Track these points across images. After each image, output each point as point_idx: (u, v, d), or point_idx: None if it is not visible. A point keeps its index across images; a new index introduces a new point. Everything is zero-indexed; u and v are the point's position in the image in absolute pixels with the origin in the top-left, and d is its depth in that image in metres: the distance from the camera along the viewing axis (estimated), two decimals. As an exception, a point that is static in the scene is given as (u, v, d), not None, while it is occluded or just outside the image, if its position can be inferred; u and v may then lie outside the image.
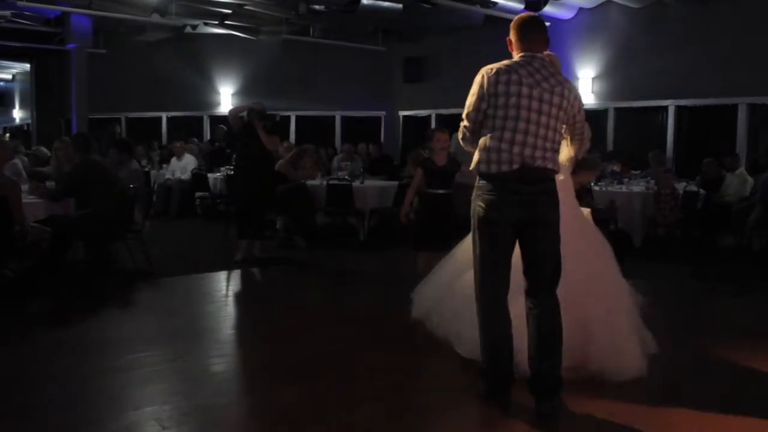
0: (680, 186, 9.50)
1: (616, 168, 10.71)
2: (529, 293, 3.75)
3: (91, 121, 14.95)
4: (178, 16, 14.00)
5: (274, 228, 9.65)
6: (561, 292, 3.76)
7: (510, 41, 3.88)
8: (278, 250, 8.90)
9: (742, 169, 10.03)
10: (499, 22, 11.97)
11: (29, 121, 20.58)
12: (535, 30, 3.84)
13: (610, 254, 4.59)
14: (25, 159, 10.15)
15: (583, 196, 6.59)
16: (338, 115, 16.99)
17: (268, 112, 8.32)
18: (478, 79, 3.72)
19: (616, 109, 13.01)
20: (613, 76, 12.80)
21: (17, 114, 23.57)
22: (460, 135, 3.90)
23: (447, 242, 5.40)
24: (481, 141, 3.71)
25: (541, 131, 3.65)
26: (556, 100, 3.68)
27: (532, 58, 3.74)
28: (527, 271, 3.74)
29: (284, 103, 15.44)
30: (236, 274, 7.58)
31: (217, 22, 14.65)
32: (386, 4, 12.06)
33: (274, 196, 8.49)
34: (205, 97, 16.95)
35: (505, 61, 3.77)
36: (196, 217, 12.58)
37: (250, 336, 5.43)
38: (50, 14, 14.40)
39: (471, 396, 3.87)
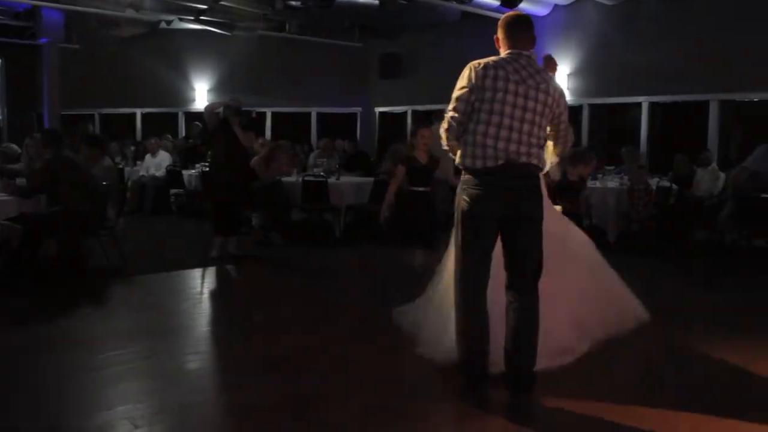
0: (653, 182, 9.60)
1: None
2: (510, 288, 3.78)
3: (63, 117, 14.74)
4: (152, 11, 13.84)
5: (249, 225, 9.60)
6: (553, 288, 3.86)
7: (497, 39, 3.91)
8: (254, 246, 8.86)
9: (714, 165, 10.15)
10: (475, 19, 12.00)
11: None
12: (523, 28, 3.88)
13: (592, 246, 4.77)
14: (-5, 156, 10.00)
15: (577, 189, 6.78)
16: (314, 112, 16.92)
17: (244, 109, 8.28)
18: (466, 73, 3.75)
19: (591, 106, 13.10)
20: (587, 72, 12.88)
21: (-13, 110, 23.19)
22: (445, 126, 3.86)
23: (429, 239, 5.42)
24: (467, 136, 3.73)
25: (526, 127, 3.70)
26: (541, 97, 3.73)
27: (518, 55, 3.78)
28: (509, 266, 3.78)
29: (260, 99, 15.34)
30: (211, 271, 7.54)
31: (192, 18, 14.50)
32: (362, 0, 12.04)
33: (249, 192, 8.45)
34: (180, 93, 16.80)
35: (493, 57, 3.82)
36: (170, 214, 12.49)
37: (225, 333, 5.40)
38: (20, 8, 14.17)
39: (448, 391, 3.88)
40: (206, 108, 8.25)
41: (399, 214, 6.21)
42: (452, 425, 3.68)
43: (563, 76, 13.09)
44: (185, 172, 11.93)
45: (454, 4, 12.01)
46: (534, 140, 3.73)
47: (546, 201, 4.61)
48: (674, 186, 9.70)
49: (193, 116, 15.73)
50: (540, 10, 12.94)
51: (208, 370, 4.54)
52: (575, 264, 4.55)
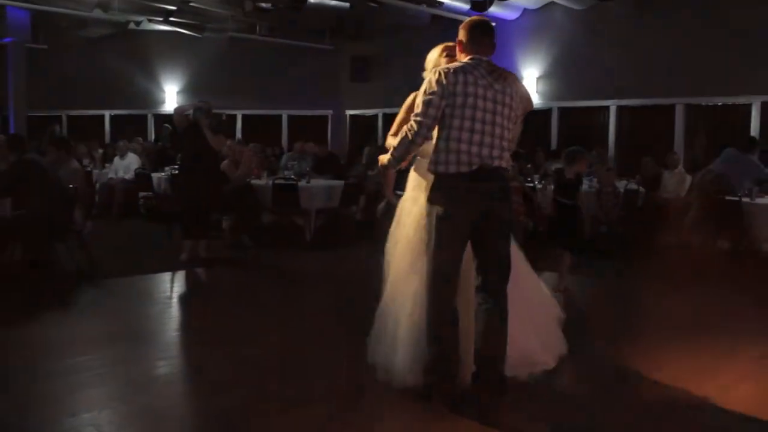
0: (621, 184, 9.72)
1: (560, 167, 10.87)
2: (481, 289, 3.80)
3: (30, 118, 14.54)
4: (121, 11, 13.70)
5: (219, 228, 9.54)
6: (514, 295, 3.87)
7: (460, 42, 3.91)
8: (224, 250, 8.81)
9: (680, 168, 10.30)
10: (445, 22, 12.06)
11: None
12: (487, 34, 3.91)
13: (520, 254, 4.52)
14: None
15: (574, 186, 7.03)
16: (285, 114, 16.88)
17: (214, 111, 8.24)
18: (435, 77, 3.72)
19: (560, 109, 13.24)
20: (556, 76, 13.03)
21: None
22: (411, 131, 3.74)
23: None
24: (439, 142, 3.74)
25: (497, 131, 3.75)
26: (507, 100, 3.79)
27: (480, 61, 3.80)
28: (480, 269, 3.80)
29: (230, 101, 15.28)
30: (181, 275, 7.48)
31: (161, 19, 14.39)
32: (333, 2, 12.04)
33: (219, 195, 8.40)
34: (149, 95, 16.66)
35: (456, 63, 3.83)
36: (139, 217, 12.36)
37: (195, 338, 5.35)
38: (-16, 7, 13.96)
39: (417, 394, 3.89)
40: (176, 110, 8.19)
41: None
42: (422, 426, 3.69)
43: (532, 79, 13.22)
44: (154, 175, 11.82)
45: (425, 8, 12.07)
46: (504, 143, 3.79)
47: None
48: (641, 188, 9.84)
49: (162, 118, 15.60)
50: (509, 14, 13.06)
51: (176, 375, 4.49)
52: (528, 276, 4.57)
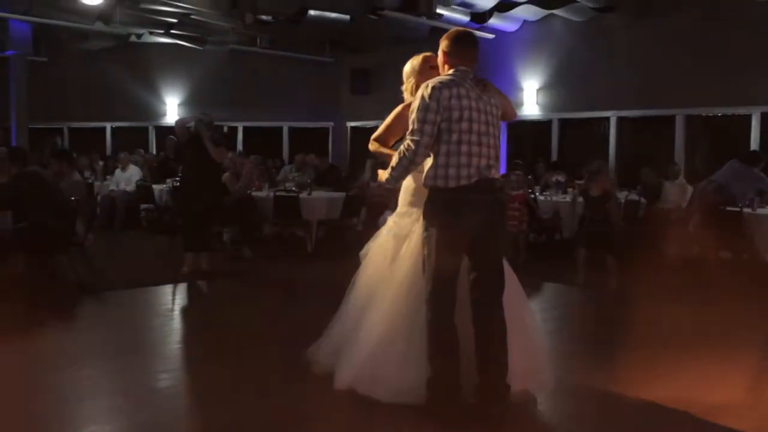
0: (622, 195, 9.72)
1: (561, 178, 10.91)
2: (478, 300, 3.79)
3: (31, 130, 14.55)
4: (122, 24, 13.74)
5: (220, 240, 9.54)
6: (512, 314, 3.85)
7: (444, 53, 3.91)
8: (225, 262, 8.81)
9: (681, 178, 10.31)
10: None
11: (-34, 131, 19.94)
12: (472, 45, 3.93)
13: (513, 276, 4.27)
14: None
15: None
16: (286, 126, 16.91)
17: (215, 123, 8.25)
18: (428, 93, 3.70)
19: (560, 120, 13.26)
20: (556, 87, 13.05)
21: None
22: (410, 151, 3.73)
23: None
24: (438, 158, 3.73)
25: (491, 141, 3.79)
26: (494, 111, 3.86)
27: (466, 72, 3.81)
28: (477, 279, 3.80)
29: (231, 113, 15.32)
30: (182, 288, 7.47)
31: (162, 32, 14.43)
32: (333, 15, 12.08)
33: (220, 207, 8.40)
34: (150, 107, 16.68)
35: (445, 77, 3.82)
36: (140, 230, 12.37)
37: (197, 351, 5.34)
38: (-14, 20, 14.00)
39: (420, 407, 3.87)
40: (177, 122, 8.21)
41: None
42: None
43: (532, 91, 13.25)
44: (156, 187, 11.83)
45: (424, 20, 12.11)
46: (497, 154, 3.85)
47: None
48: (642, 199, 9.84)
49: (163, 130, 15.62)
50: (509, 26, 13.10)
51: (178, 389, 4.48)
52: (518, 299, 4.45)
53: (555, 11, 12.02)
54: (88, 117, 16.81)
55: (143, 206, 12.54)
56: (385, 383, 3.90)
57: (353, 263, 4.40)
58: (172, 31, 14.33)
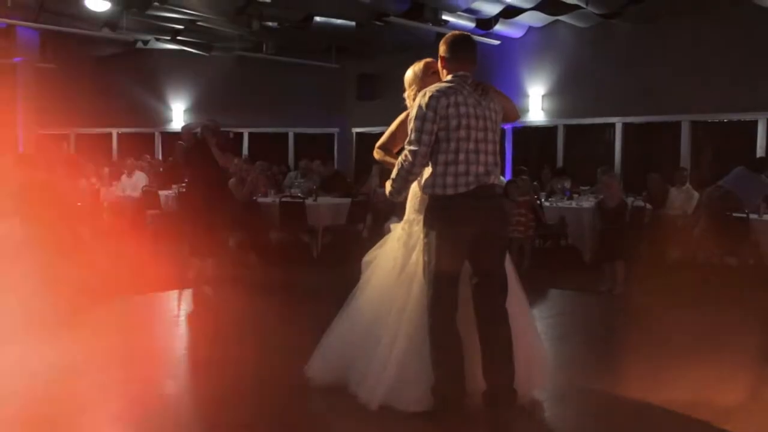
0: (628, 201, 9.68)
1: (566, 184, 10.90)
2: (481, 306, 3.79)
3: (38, 136, 14.61)
4: (129, 31, 13.81)
5: (226, 246, 9.54)
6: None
7: (442, 58, 3.89)
8: (231, 268, 8.81)
9: (688, 185, 10.28)
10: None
11: (-27, 137, 20.01)
12: (470, 49, 3.91)
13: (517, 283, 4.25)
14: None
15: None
16: (291, 132, 16.93)
17: (222, 129, 8.27)
18: (425, 102, 3.69)
19: (566, 126, 13.25)
20: (562, 93, 13.05)
21: (-39, 129, 22.90)
22: (407, 162, 3.75)
23: None
24: (437, 167, 3.74)
25: (490, 147, 3.78)
26: (494, 116, 3.83)
27: (465, 77, 3.80)
28: (479, 286, 3.80)
29: (237, 119, 15.34)
30: (188, 293, 7.48)
31: (169, 38, 14.50)
32: (339, 21, 12.12)
33: (226, 213, 8.40)
34: (156, 113, 16.73)
35: (443, 84, 3.80)
36: (146, 235, 12.36)
37: (202, 357, 5.34)
38: (-5, 27, 14.08)
39: (424, 414, 3.87)
40: (183, 128, 8.23)
41: None
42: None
43: (538, 97, 13.25)
44: (162, 193, 11.85)
45: (430, 26, 12.13)
46: (496, 160, 3.84)
47: None
48: (648, 205, 9.82)
49: (169, 137, 15.66)
50: (515, 32, 13.11)
51: (184, 397, 4.49)
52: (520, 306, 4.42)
53: (560, 17, 12.03)
54: (94, 123, 16.86)
55: (149, 212, 12.54)
56: (413, 395, 3.84)
57: (359, 269, 4.39)
58: (179, 38, 14.39)
